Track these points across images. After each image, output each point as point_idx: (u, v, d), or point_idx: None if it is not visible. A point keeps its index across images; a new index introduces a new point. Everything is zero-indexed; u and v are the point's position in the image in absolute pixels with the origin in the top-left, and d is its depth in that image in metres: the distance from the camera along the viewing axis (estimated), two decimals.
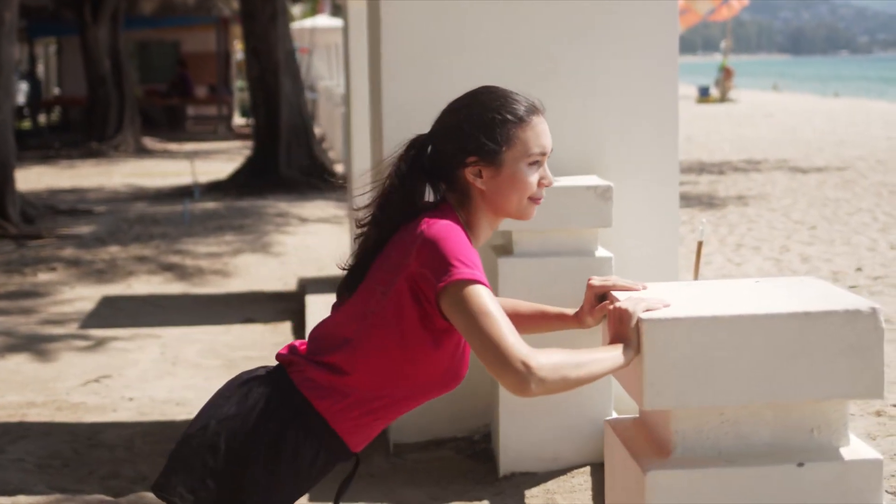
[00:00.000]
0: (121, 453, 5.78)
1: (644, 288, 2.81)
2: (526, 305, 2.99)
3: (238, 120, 31.62)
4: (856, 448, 2.69)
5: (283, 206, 14.87)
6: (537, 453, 5.05)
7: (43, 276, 10.58)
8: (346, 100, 10.59)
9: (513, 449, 5.06)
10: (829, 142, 23.33)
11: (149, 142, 24.83)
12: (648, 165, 5.51)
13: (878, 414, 5.72)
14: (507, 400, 4.97)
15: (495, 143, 2.66)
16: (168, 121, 29.03)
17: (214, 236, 12.54)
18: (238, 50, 32.55)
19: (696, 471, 2.60)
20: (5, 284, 10.24)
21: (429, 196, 2.70)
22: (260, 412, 2.64)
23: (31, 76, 31.20)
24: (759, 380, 2.59)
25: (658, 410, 2.67)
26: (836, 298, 2.68)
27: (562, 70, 5.45)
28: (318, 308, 8.35)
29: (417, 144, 2.75)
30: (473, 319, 2.49)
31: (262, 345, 8.09)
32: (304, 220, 13.66)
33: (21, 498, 5.01)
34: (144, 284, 10.29)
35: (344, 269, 2.79)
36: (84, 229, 13.13)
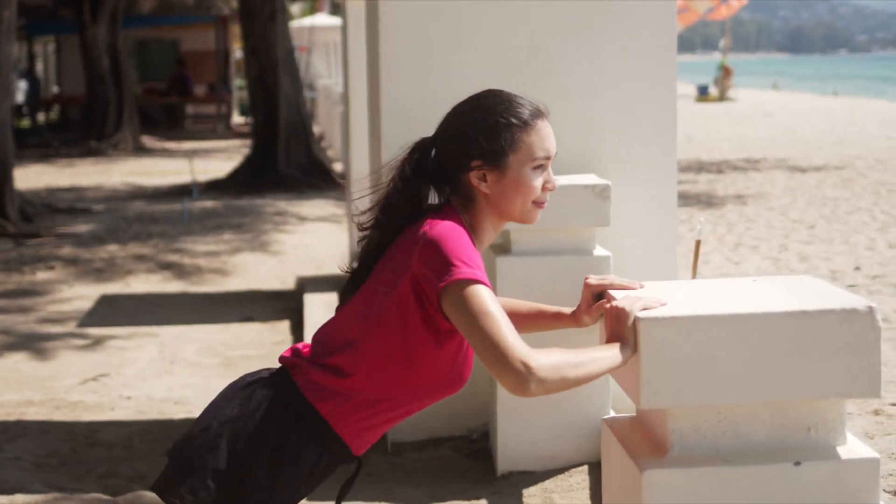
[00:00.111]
0: (119, 452, 5.78)
1: (641, 287, 2.81)
2: (523, 305, 2.99)
3: (237, 118, 31.62)
4: (853, 447, 2.69)
5: (281, 204, 14.87)
6: (535, 452, 5.05)
7: (41, 275, 10.57)
8: (345, 98, 10.59)
9: (511, 448, 5.06)
10: (828, 141, 23.34)
11: (148, 140, 24.83)
12: (647, 164, 5.51)
13: (877, 413, 5.72)
14: (505, 399, 4.97)
15: (500, 147, 2.66)
16: (167, 119, 29.02)
17: (213, 235, 12.54)
18: (237, 48, 32.53)
19: (693, 470, 2.60)
20: (4, 283, 10.24)
21: (433, 199, 2.70)
22: (263, 415, 2.64)
23: (30, 75, 31.18)
24: (757, 378, 2.59)
25: (655, 409, 2.67)
26: (834, 297, 2.68)
27: (560, 69, 5.45)
28: (317, 307, 8.35)
29: (421, 147, 2.75)
30: (474, 319, 2.49)
31: (261, 343, 8.10)
32: (302, 219, 13.65)
33: (19, 497, 5.01)
34: (143, 283, 10.29)
35: (347, 271, 2.79)
36: (83, 228, 13.13)
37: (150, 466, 5.53)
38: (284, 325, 8.59)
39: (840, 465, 2.63)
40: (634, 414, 2.90)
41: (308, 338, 7.32)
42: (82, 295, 9.74)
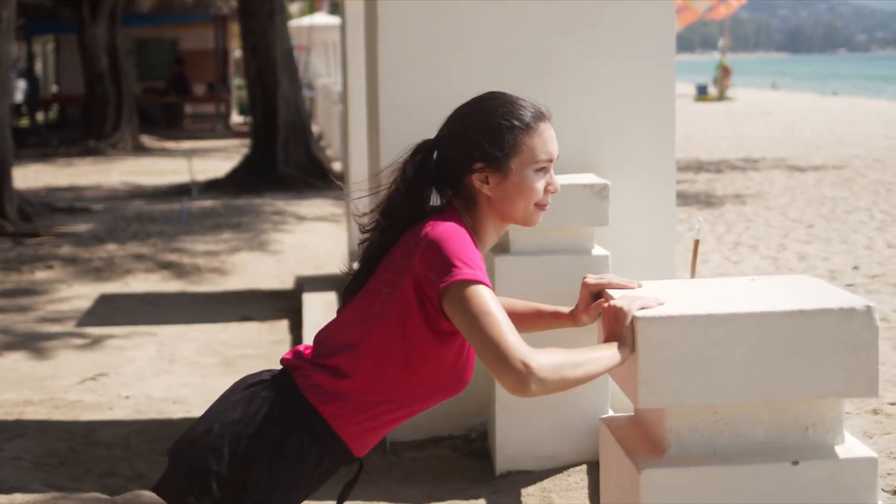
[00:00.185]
0: (117, 451, 5.77)
1: (639, 286, 2.81)
2: (521, 304, 2.99)
3: (236, 118, 31.62)
4: (851, 446, 2.69)
5: (280, 204, 14.87)
6: (534, 452, 5.05)
7: (40, 274, 10.57)
8: (344, 98, 10.59)
9: (509, 447, 5.06)
10: (827, 140, 23.34)
11: (147, 140, 24.82)
12: (645, 164, 5.51)
13: (875, 412, 5.72)
14: (504, 398, 4.97)
15: (502, 150, 2.66)
16: (166, 119, 29.01)
17: (212, 234, 12.54)
18: (236, 48, 32.53)
19: (690, 469, 2.60)
20: (3, 282, 10.24)
21: (434, 201, 2.70)
22: (264, 417, 2.64)
23: (29, 74, 31.18)
24: (754, 378, 2.59)
25: (653, 409, 2.67)
26: (831, 296, 2.68)
27: (559, 69, 5.45)
28: (316, 306, 8.35)
29: (423, 150, 2.74)
30: (474, 319, 2.49)
31: (260, 343, 8.10)
32: (301, 219, 13.65)
33: (17, 496, 5.01)
34: (142, 282, 10.28)
35: (349, 273, 2.79)
36: (82, 227, 13.13)
37: (149, 466, 5.53)
38: (283, 325, 8.58)
39: (838, 464, 2.63)
40: (632, 413, 2.90)
41: (307, 337, 7.36)
42: (81, 294, 9.74)
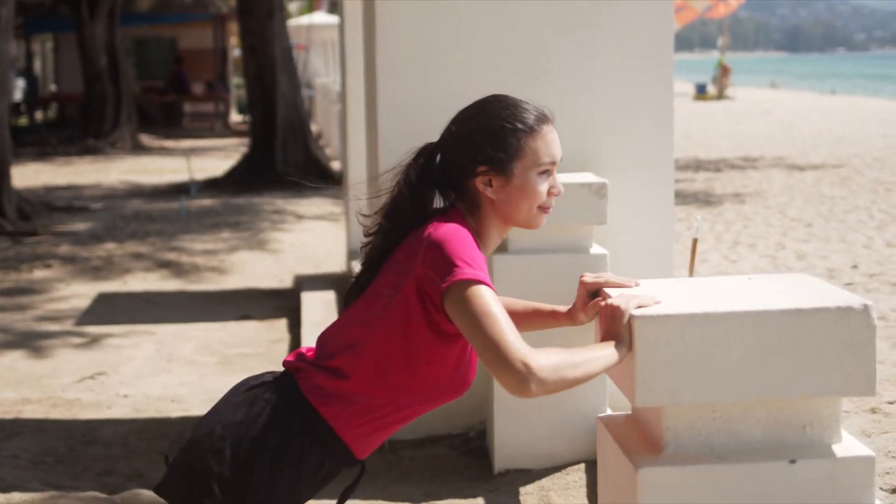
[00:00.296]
0: (116, 450, 5.77)
1: (636, 285, 2.81)
2: (519, 303, 2.99)
3: (235, 117, 31.61)
4: (848, 445, 2.69)
5: (279, 203, 14.87)
6: (532, 450, 5.05)
7: (39, 273, 10.57)
8: (343, 97, 10.59)
9: (508, 446, 5.06)
10: (826, 139, 23.34)
11: (145, 139, 24.81)
12: (644, 163, 5.52)
13: (873, 411, 5.72)
14: (502, 397, 4.97)
15: (505, 153, 2.66)
16: (165, 118, 29.00)
17: (211, 233, 12.54)
18: (235, 47, 32.52)
19: (688, 467, 2.60)
20: (1, 281, 10.24)
21: (437, 204, 2.71)
22: (266, 419, 2.63)
23: (27, 73, 31.19)
24: (752, 376, 2.59)
25: (650, 407, 2.67)
26: (829, 295, 2.68)
27: (557, 68, 5.45)
28: (315, 305, 8.35)
29: (426, 153, 2.74)
30: (475, 320, 2.49)
31: (258, 342, 8.10)
32: (300, 218, 13.65)
33: (15, 495, 5.01)
34: (140, 281, 10.28)
35: (351, 276, 2.78)
36: (80, 226, 13.12)
37: (148, 464, 5.53)
38: (282, 324, 8.58)
39: (835, 463, 2.63)
40: (630, 412, 2.90)
41: (305, 336, 7.36)
42: (80, 293, 9.74)
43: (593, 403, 5.02)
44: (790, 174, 17.30)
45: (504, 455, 5.07)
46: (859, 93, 50.36)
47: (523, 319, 2.94)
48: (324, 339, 2.74)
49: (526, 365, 2.43)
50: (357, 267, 2.81)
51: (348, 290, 2.78)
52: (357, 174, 9.18)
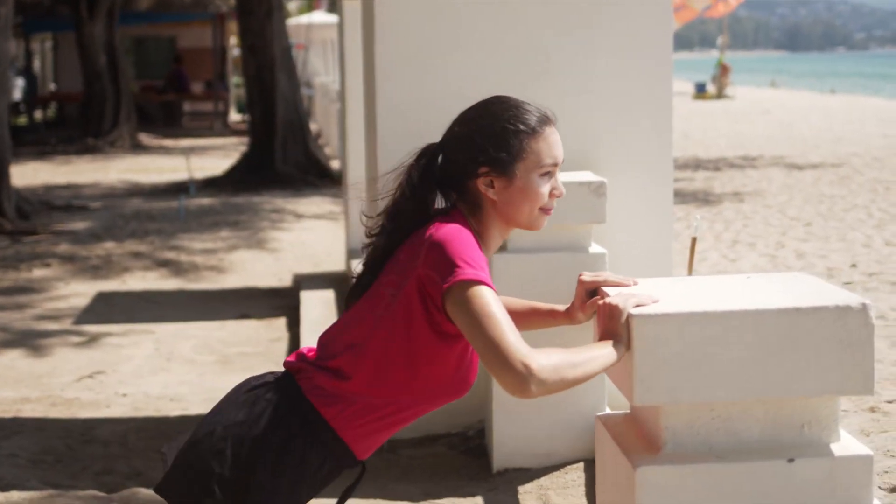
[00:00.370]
0: (114, 449, 5.78)
1: (635, 283, 2.81)
2: (518, 303, 2.99)
3: (234, 116, 31.61)
4: (846, 444, 2.69)
5: (278, 202, 14.87)
6: (531, 449, 5.06)
7: (38, 272, 10.57)
8: (342, 96, 10.59)
9: (506, 445, 5.06)
10: (826, 138, 23.34)
11: (145, 138, 24.81)
12: (643, 162, 5.52)
13: (872, 410, 5.72)
14: (501, 396, 4.97)
15: (507, 154, 2.65)
16: (164, 117, 28.99)
17: (210, 232, 12.54)
18: (234, 46, 32.52)
19: (686, 466, 2.60)
20: (0, 280, 10.24)
21: (439, 204, 2.71)
22: (267, 419, 2.63)
23: (27, 72, 31.17)
24: (750, 375, 2.59)
25: (648, 406, 2.67)
26: (827, 294, 2.68)
27: (556, 68, 5.45)
28: (314, 304, 8.36)
29: (428, 153, 2.74)
30: (476, 320, 2.48)
31: (257, 341, 8.09)
32: (299, 217, 13.65)
33: (14, 493, 5.01)
34: (139, 280, 10.28)
35: (353, 276, 2.78)
36: (79, 225, 13.12)
37: (146, 463, 5.53)
38: (281, 323, 8.58)
39: (834, 462, 2.64)
40: (628, 411, 2.90)
41: (305, 335, 7.35)
42: (79, 292, 9.74)
43: (592, 402, 5.03)
44: (789, 173, 17.30)
45: (503, 454, 5.07)
46: (859, 92, 50.36)
47: (521, 319, 2.94)
48: (325, 339, 2.74)
49: (526, 366, 2.43)
50: (357, 267, 2.80)
51: (349, 290, 2.78)
52: (356, 173, 9.18)
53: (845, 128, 26.35)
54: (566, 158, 5.39)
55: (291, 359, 2.76)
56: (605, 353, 2.56)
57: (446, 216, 2.66)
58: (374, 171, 5.49)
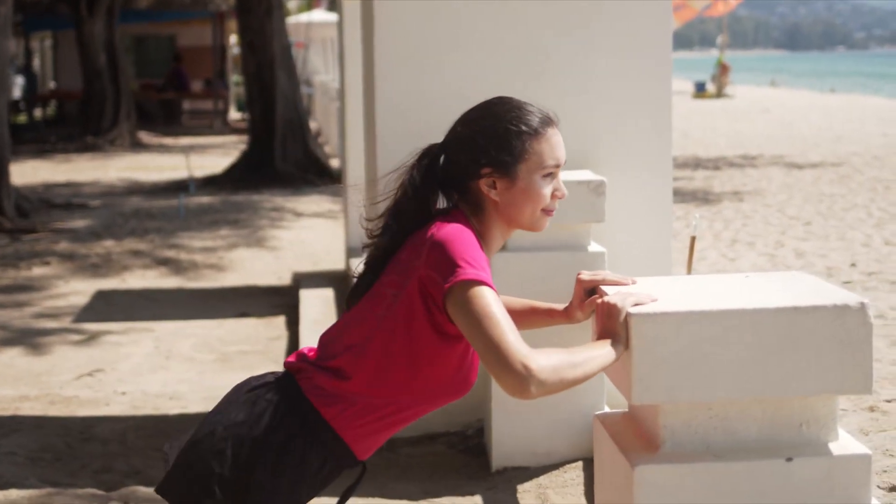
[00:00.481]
0: (113, 447, 5.78)
1: (633, 283, 2.81)
2: (516, 302, 2.99)
3: (234, 114, 31.60)
4: (845, 443, 2.69)
5: (278, 200, 14.87)
6: (530, 448, 5.06)
7: (37, 270, 10.57)
8: (341, 95, 10.59)
9: (505, 444, 5.07)
10: (826, 138, 23.34)
11: (144, 136, 24.81)
12: (642, 161, 5.52)
13: (872, 409, 5.72)
14: (500, 395, 4.97)
15: (510, 155, 2.65)
16: (164, 115, 28.99)
17: (209, 231, 12.54)
18: (234, 44, 32.51)
19: (684, 465, 2.60)
20: (0, 278, 10.24)
21: (441, 204, 2.70)
22: (268, 419, 2.63)
23: (26, 70, 31.16)
24: (748, 374, 2.59)
25: (647, 405, 2.67)
26: (826, 293, 2.68)
27: (556, 68, 5.45)
28: (313, 302, 8.36)
29: (430, 154, 2.74)
30: (477, 321, 2.48)
31: (257, 339, 8.09)
32: (299, 215, 13.65)
33: (13, 491, 5.01)
34: (139, 279, 10.28)
35: (354, 276, 2.78)
36: (79, 223, 13.12)
37: (145, 462, 5.53)
38: (280, 321, 8.58)
39: (832, 461, 2.64)
40: (627, 410, 2.90)
41: (304, 333, 7.35)
42: (78, 290, 9.74)
43: (591, 401, 5.03)
44: (789, 172, 17.30)
45: (502, 453, 5.07)
46: (858, 91, 50.36)
47: (520, 318, 2.93)
48: (325, 339, 2.74)
49: (526, 367, 2.42)
50: (357, 266, 2.80)
51: (350, 290, 2.78)
52: (356, 172, 9.18)
53: (845, 127, 26.36)
54: (566, 158, 5.39)
55: (292, 359, 2.75)
56: (603, 352, 2.56)
57: (447, 216, 2.66)
58: (374, 170, 5.49)
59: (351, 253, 8.71)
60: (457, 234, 2.57)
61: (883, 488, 4.71)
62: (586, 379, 2.53)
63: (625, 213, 5.45)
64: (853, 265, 9.81)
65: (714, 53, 74.43)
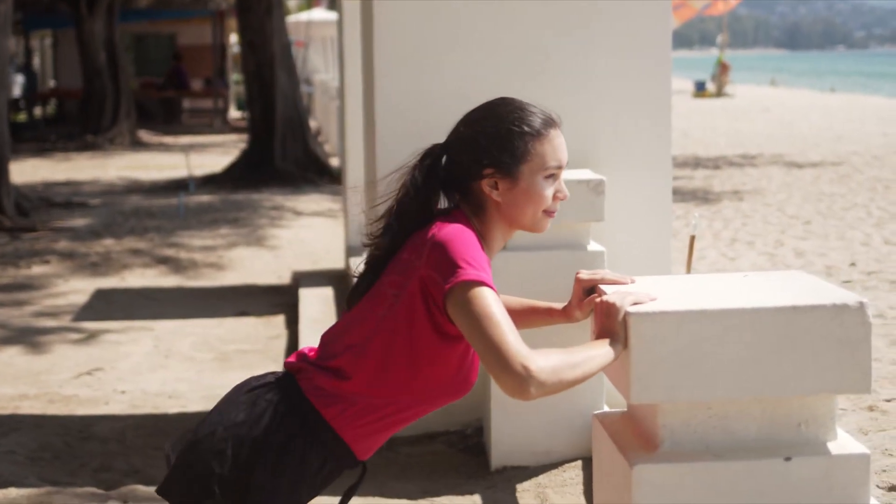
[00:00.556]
0: (113, 446, 5.77)
1: (632, 281, 2.81)
2: (515, 301, 2.99)
3: (234, 113, 31.60)
4: (843, 442, 2.70)
5: (277, 199, 14.87)
6: (529, 447, 5.06)
7: (37, 269, 10.57)
8: (341, 94, 10.58)
9: (504, 443, 5.06)
10: (825, 137, 23.34)
11: (144, 135, 24.81)
12: (642, 160, 5.52)
13: (871, 409, 5.73)
14: (499, 394, 4.96)
15: (512, 156, 2.65)
16: (164, 114, 29.00)
17: (209, 229, 12.53)
18: (234, 43, 32.51)
19: (683, 465, 2.60)
20: None
21: (442, 203, 2.70)
22: (268, 420, 2.63)
23: (26, 69, 31.16)
24: (747, 374, 2.60)
25: (645, 404, 2.67)
26: (824, 292, 2.68)
27: (555, 67, 5.45)
28: (312, 301, 8.35)
29: (432, 154, 2.74)
30: (477, 321, 2.48)
31: (256, 338, 8.09)
32: (298, 214, 13.65)
33: (12, 490, 5.01)
34: (138, 277, 10.28)
35: (355, 276, 2.78)
36: (79, 222, 13.12)
37: (144, 460, 5.53)
38: (280, 320, 8.58)
39: (830, 460, 2.64)
40: (626, 409, 2.90)
41: (303, 332, 7.35)
42: (78, 289, 9.74)
43: (590, 400, 5.03)
44: (789, 172, 17.30)
45: (501, 452, 5.07)
46: (859, 90, 50.36)
47: (519, 317, 2.93)
48: (326, 339, 2.74)
49: (526, 368, 2.42)
50: (358, 266, 2.80)
51: (351, 290, 2.78)
52: (356, 171, 9.18)
53: (845, 126, 26.36)
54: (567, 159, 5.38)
55: (292, 359, 2.75)
56: (602, 352, 2.56)
57: (449, 216, 2.66)
58: (373, 169, 5.49)
59: (350, 252, 8.71)
60: (458, 235, 2.57)
61: (882, 488, 4.71)
62: (585, 379, 2.53)
63: (624, 213, 5.45)
64: (853, 264, 9.81)
65: (714, 52, 74.44)
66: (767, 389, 2.61)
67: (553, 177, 2.70)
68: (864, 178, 16.31)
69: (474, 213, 2.70)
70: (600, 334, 2.64)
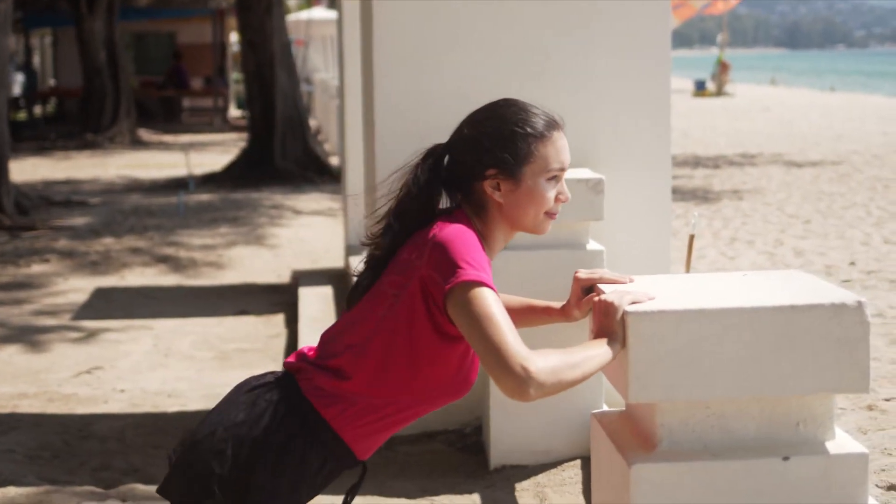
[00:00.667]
0: (112, 445, 5.78)
1: (631, 281, 2.81)
2: (514, 300, 2.99)
3: (234, 112, 31.59)
4: (842, 442, 2.70)
5: (277, 198, 14.86)
6: (528, 446, 5.06)
7: (37, 268, 10.57)
8: (341, 93, 10.58)
9: (503, 442, 5.07)
10: (825, 136, 23.34)
11: (144, 133, 24.80)
12: (641, 159, 5.52)
13: (870, 408, 5.73)
14: (498, 393, 4.95)
15: (515, 157, 2.65)
16: (164, 112, 28.98)
17: (209, 228, 12.53)
18: (234, 42, 32.49)
19: (681, 464, 2.60)
20: None
21: (444, 203, 2.71)
22: (268, 420, 2.63)
23: (26, 67, 31.16)
24: (746, 373, 2.60)
25: (644, 404, 2.67)
26: (823, 292, 2.68)
27: (555, 67, 5.45)
28: (312, 300, 8.35)
29: (435, 154, 2.74)
30: (476, 322, 2.48)
31: (256, 337, 8.09)
32: (298, 213, 13.65)
33: (11, 489, 5.01)
34: (138, 276, 10.28)
35: (355, 275, 2.78)
36: (78, 221, 13.12)
37: (144, 459, 5.53)
38: (279, 319, 8.58)
39: (829, 459, 2.64)
40: (624, 408, 2.91)
41: (303, 331, 7.35)
42: (77, 288, 9.74)
43: (589, 400, 5.03)
44: (789, 171, 17.30)
45: (500, 451, 5.07)
46: (858, 90, 50.36)
47: (517, 316, 2.93)
48: (326, 338, 2.74)
49: (525, 369, 2.42)
50: (358, 265, 2.80)
51: (351, 290, 2.78)
52: (355, 170, 9.17)
53: (845, 125, 26.36)
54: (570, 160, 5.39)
55: (292, 359, 2.75)
56: (600, 351, 2.56)
57: (450, 216, 2.66)
58: (373, 168, 5.49)
59: (350, 251, 8.71)
60: (458, 235, 2.57)
61: (881, 487, 4.71)
62: (585, 379, 2.53)
63: (624, 212, 5.45)
64: (852, 264, 9.81)
65: (714, 52, 74.43)
66: (766, 389, 2.62)
67: (555, 178, 2.70)
68: (863, 177, 16.31)
69: (476, 213, 2.70)
70: (598, 333, 2.64)
